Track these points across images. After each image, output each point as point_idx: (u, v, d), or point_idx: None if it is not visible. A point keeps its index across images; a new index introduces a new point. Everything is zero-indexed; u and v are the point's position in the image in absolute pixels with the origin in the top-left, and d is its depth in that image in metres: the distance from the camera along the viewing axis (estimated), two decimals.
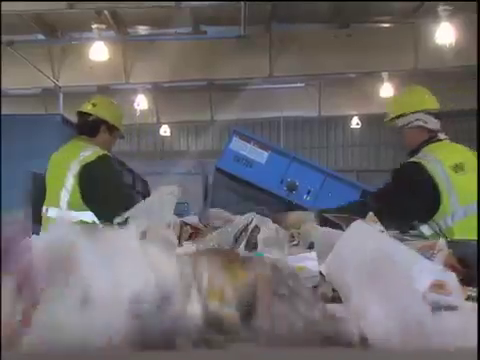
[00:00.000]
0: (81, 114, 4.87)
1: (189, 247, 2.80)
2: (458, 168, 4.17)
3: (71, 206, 4.49)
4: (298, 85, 18.19)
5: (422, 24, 13.97)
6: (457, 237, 3.91)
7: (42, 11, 12.87)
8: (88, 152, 4.57)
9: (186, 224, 3.38)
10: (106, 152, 4.64)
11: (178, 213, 3.87)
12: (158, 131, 20.64)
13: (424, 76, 15.98)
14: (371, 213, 2.77)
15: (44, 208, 4.70)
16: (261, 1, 12.16)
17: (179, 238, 3.07)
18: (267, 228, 2.92)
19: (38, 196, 5.01)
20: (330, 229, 2.66)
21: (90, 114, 4.80)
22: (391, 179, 4.24)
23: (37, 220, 4.78)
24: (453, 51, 13.25)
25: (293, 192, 8.87)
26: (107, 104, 5.00)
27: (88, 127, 4.80)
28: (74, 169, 4.52)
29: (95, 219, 4.44)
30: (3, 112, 10.90)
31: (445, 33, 12.72)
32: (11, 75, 14.03)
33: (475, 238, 3.49)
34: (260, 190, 8.75)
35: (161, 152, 21.79)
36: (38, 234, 4.13)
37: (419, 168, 4.11)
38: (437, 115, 4.43)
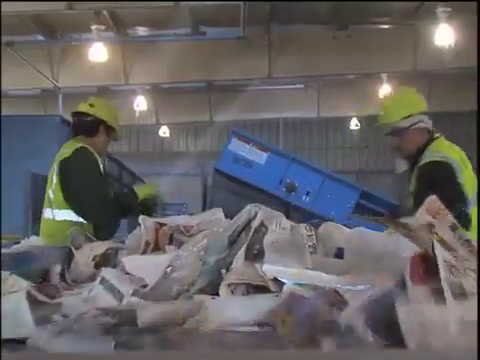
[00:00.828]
0: (78, 115, 4.87)
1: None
2: (464, 162, 4.27)
3: (56, 205, 4.51)
4: (297, 86, 18.18)
5: (421, 25, 13.98)
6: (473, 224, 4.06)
7: (41, 12, 12.88)
8: (68, 149, 4.59)
9: (161, 225, 2.54)
10: (85, 145, 4.64)
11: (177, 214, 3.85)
12: (157, 132, 20.64)
13: (423, 77, 16.01)
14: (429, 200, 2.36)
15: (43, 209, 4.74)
16: (261, 1, 12.15)
17: (155, 242, 2.44)
18: (278, 227, 2.17)
19: (37, 196, 5.02)
20: (362, 229, 2.12)
21: (88, 114, 4.80)
22: (423, 181, 4.20)
23: (36, 220, 4.81)
24: (452, 52, 13.26)
25: (292, 193, 8.86)
26: (104, 105, 5.00)
27: (86, 127, 4.79)
28: (56, 168, 4.56)
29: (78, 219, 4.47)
30: (2, 113, 10.89)
31: (444, 34, 12.74)
32: (10, 76, 14.04)
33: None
34: (259, 191, 8.75)
35: (160, 153, 21.77)
36: (38, 234, 4.13)
37: (447, 166, 4.15)
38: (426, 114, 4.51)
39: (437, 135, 4.46)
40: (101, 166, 4.73)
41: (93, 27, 13.08)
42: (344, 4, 13.20)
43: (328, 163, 21.07)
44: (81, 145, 4.58)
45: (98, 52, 13.62)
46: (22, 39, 13.94)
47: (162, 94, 18.13)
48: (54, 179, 4.56)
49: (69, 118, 11.10)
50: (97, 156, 4.67)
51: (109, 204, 4.53)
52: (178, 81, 16.33)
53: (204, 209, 9.67)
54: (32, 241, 3.90)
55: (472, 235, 3.88)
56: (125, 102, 15.35)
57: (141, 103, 17.24)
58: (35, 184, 8.39)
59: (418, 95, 4.67)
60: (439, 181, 4.07)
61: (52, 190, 4.56)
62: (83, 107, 4.83)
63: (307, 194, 9.00)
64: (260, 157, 8.89)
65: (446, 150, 4.31)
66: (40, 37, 14.54)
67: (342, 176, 9.90)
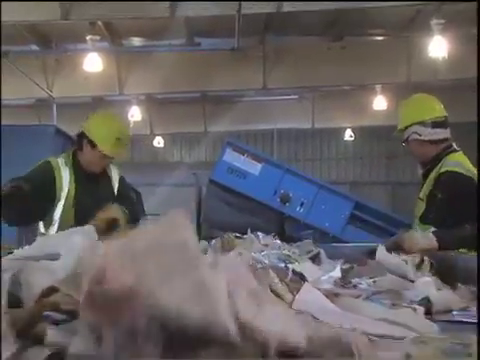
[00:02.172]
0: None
1: None
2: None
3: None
4: (292, 97, 18.22)
5: (415, 37, 14.03)
6: None
7: (36, 22, 12.89)
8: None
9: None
10: (50, 159, 4.72)
11: None
12: (152, 142, 20.63)
13: (417, 89, 16.04)
14: None
15: None
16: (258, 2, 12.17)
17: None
18: None
19: None
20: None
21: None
22: (442, 189, 4.15)
23: (30, 229, 4.82)
24: (446, 64, 13.30)
25: (286, 204, 8.90)
26: (99, 119, 4.93)
27: (77, 141, 4.85)
28: None
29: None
30: None
31: (438, 46, 12.77)
32: (5, 85, 14.02)
33: None
34: (254, 202, 8.77)
35: (155, 163, 21.76)
36: (31, 242, 4.13)
37: (466, 177, 4.15)
38: (441, 124, 4.43)
39: (455, 147, 4.40)
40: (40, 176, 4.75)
41: (88, 37, 13.07)
42: (339, 16, 13.24)
43: (322, 174, 21.07)
44: (49, 158, 4.69)
45: (93, 62, 13.61)
46: (17, 49, 13.93)
47: (157, 104, 18.14)
48: None
49: (63, 128, 11.13)
50: (60, 170, 4.70)
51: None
52: (173, 92, 16.34)
53: (198, 220, 9.68)
54: (25, 251, 3.90)
55: None
56: (120, 112, 15.34)
57: (135, 113, 17.23)
58: None
59: (416, 105, 4.62)
60: (460, 192, 4.07)
61: None
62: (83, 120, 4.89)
63: (301, 205, 9.05)
64: (254, 168, 8.93)
65: (462, 160, 4.29)
66: (35, 47, 14.54)
67: (336, 187, 9.96)
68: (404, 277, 2.44)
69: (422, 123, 4.33)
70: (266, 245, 3.82)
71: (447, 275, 2.49)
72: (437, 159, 4.28)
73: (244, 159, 8.88)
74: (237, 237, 4.45)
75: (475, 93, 10.81)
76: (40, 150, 9.85)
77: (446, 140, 4.36)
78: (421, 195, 4.31)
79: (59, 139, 10.49)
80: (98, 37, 13.25)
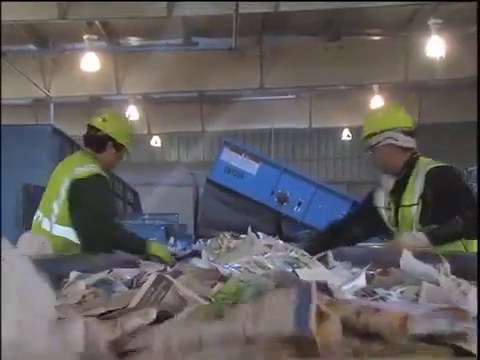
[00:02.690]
0: (90, 127, 4.75)
1: None
2: None
3: (58, 220, 4.40)
4: (289, 97, 18.24)
5: (413, 37, 14.04)
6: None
7: (34, 21, 12.88)
8: (84, 168, 4.44)
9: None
10: (101, 172, 4.50)
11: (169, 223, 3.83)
12: (149, 142, 20.62)
13: (414, 88, 16.09)
14: None
15: (37, 213, 4.61)
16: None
17: None
18: None
19: (28, 206, 4.93)
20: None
21: (99, 129, 4.69)
22: (444, 188, 4.14)
23: (28, 229, 4.72)
24: (443, 64, 13.32)
25: (284, 203, 8.89)
26: (117, 120, 4.86)
27: (95, 142, 4.66)
28: (66, 183, 4.41)
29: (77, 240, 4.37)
30: None
31: (435, 46, 12.78)
32: (2, 85, 14.00)
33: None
34: (251, 201, 8.77)
35: (152, 163, 21.75)
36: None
37: (456, 170, 4.18)
38: (410, 133, 4.40)
39: (419, 154, 4.39)
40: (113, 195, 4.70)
41: (85, 37, 13.06)
42: (336, 15, 13.24)
43: (320, 174, 21.08)
44: (98, 171, 4.46)
45: (90, 62, 13.60)
46: (14, 49, 13.92)
47: (154, 104, 18.14)
48: (62, 193, 4.44)
49: (60, 128, 11.12)
50: (108, 179, 4.61)
51: (111, 238, 4.42)
52: (170, 91, 16.34)
53: (196, 219, 9.67)
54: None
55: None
56: (117, 112, 15.34)
57: (133, 113, 17.22)
58: (27, 194, 8.36)
59: (395, 111, 4.57)
60: (457, 182, 4.10)
61: (58, 204, 4.44)
62: (95, 121, 4.71)
63: (299, 204, 9.05)
64: (252, 167, 8.93)
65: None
66: (32, 47, 14.53)
67: (334, 187, 9.96)
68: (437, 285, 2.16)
69: (397, 129, 4.30)
70: (269, 246, 3.52)
71: (465, 276, 2.48)
72: (409, 165, 4.25)
73: (241, 159, 8.88)
74: (233, 236, 4.40)
75: (472, 93, 10.85)
76: (37, 150, 9.85)
77: (412, 149, 4.35)
78: (406, 201, 4.27)
79: (56, 139, 10.46)
80: (95, 37, 13.24)
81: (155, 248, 4.32)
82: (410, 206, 4.22)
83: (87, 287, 2.30)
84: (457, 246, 3.94)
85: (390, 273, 2.45)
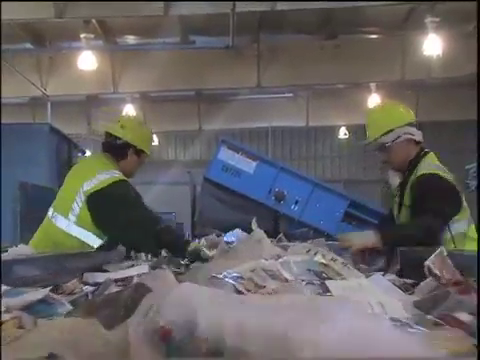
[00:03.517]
0: (108, 134, 4.73)
1: None
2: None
3: (79, 222, 4.36)
4: (286, 95, 18.25)
5: (410, 36, 14.05)
6: (469, 242, 4.09)
7: (31, 20, 12.87)
8: (106, 175, 4.41)
9: None
10: (124, 178, 4.50)
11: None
12: None
13: (411, 87, 16.09)
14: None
15: (51, 211, 4.57)
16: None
17: None
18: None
19: (26, 204, 4.91)
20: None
21: (118, 136, 4.67)
22: (422, 193, 4.13)
23: (24, 228, 4.72)
24: (440, 62, 13.33)
25: (281, 202, 8.89)
26: (135, 126, 4.85)
27: (115, 149, 4.65)
28: (87, 187, 4.36)
29: (97, 243, 4.34)
30: None
31: (432, 45, 12.79)
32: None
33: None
34: (248, 200, 8.76)
35: (149, 162, 21.73)
36: (26, 243, 4.11)
37: (443, 178, 4.12)
38: (416, 126, 4.41)
39: (426, 150, 4.39)
40: (138, 194, 4.68)
41: (82, 35, 13.06)
42: (333, 14, 13.25)
43: (317, 172, 21.09)
44: (119, 178, 4.45)
45: (87, 60, 13.59)
46: (11, 47, 13.90)
47: (151, 103, 18.13)
48: (83, 196, 4.39)
49: (58, 126, 11.11)
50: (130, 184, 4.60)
51: (150, 228, 4.41)
52: (167, 90, 16.34)
53: (193, 218, 9.67)
54: (20, 249, 3.89)
55: (469, 245, 3.96)
56: (114, 110, 15.34)
57: (130, 111, 17.20)
58: (24, 192, 8.36)
59: (400, 107, 4.58)
60: (436, 192, 4.05)
61: (78, 206, 4.41)
62: (113, 128, 4.69)
63: (296, 203, 9.05)
64: (249, 166, 8.92)
65: (437, 163, 4.28)
66: (29, 45, 14.52)
67: (331, 185, 9.95)
68: None
69: (411, 124, 4.33)
70: (284, 247, 2.79)
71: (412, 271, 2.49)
72: (414, 162, 4.27)
73: (239, 157, 8.87)
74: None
75: (470, 91, 10.86)
76: (35, 148, 9.86)
77: (421, 143, 4.38)
78: (406, 202, 4.28)
79: (54, 137, 10.47)
80: (92, 35, 13.23)
81: (195, 245, 4.34)
82: (408, 207, 4.25)
83: (8, 310, 1.66)
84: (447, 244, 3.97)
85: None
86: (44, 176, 9.49)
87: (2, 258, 2.51)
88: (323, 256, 2.28)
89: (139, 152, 4.72)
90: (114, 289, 2.22)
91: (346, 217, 9.21)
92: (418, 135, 4.32)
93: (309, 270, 2.12)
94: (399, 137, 4.28)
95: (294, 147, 22.30)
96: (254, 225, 3.24)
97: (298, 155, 22.23)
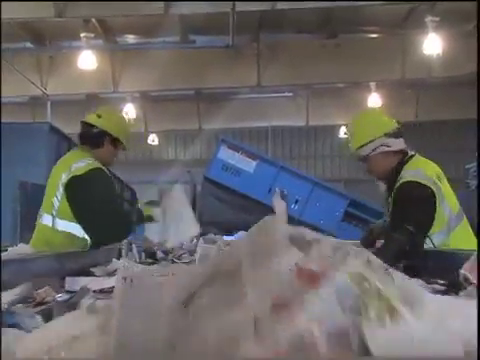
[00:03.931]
0: (85, 125, 4.77)
1: None
2: (440, 178, 4.16)
3: (60, 215, 4.42)
4: (286, 95, 18.24)
5: (410, 35, 14.04)
6: (458, 240, 4.00)
7: (31, 19, 12.87)
8: (81, 164, 4.45)
9: None
10: (99, 165, 4.52)
11: None
12: (146, 140, 20.61)
13: (411, 86, 16.09)
14: None
15: (40, 212, 4.62)
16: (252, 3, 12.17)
17: None
18: None
19: (26, 203, 4.92)
20: None
21: (94, 125, 4.71)
22: (398, 202, 4.10)
23: (24, 228, 4.73)
24: (440, 61, 13.33)
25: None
26: (112, 116, 4.90)
27: (92, 139, 4.68)
28: (64, 179, 4.42)
29: (82, 234, 4.38)
30: None
31: (432, 44, 12.80)
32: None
33: (470, 248, 3.56)
34: (248, 199, 8.77)
35: (149, 161, 21.74)
36: (26, 242, 4.11)
37: (420, 185, 4.06)
38: (398, 134, 4.34)
39: (412, 153, 4.34)
40: (113, 184, 4.72)
41: (82, 35, 13.06)
42: (333, 13, 13.25)
43: (317, 171, 21.08)
44: (95, 165, 4.49)
45: (87, 60, 13.60)
46: (11, 47, 13.90)
47: (151, 102, 18.13)
48: (61, 188, 4.46)
49: (58, 125, 11.10)
50: (106, 171, 4.63)
51: (121, 224, 4.48)
52: (167, 89, 16.34)
53: None
54: (20, 249, 3.89)
55: (467, 245, 3.91)
56: (114, 110, 15.34)
57: (130, 111, 17.21)
58: (24, 191, 8.36)
59: (380, 116, 4.54)
60: (412, 201, 4.01)
61: (57, 199, 4.46)
62: (90, 118, 4.74)
63: (296, 202, 9.05)
64: (249, 165, 8.93)
65: (422, 166, 4.21)
66: (29, 44, 14.51)
67: (331, 185, 9.96)
68: None
69: (387, 134, 4.28)
70: (304, 246, 1.97)
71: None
72: (396, 169, 4.23)
73: (239, 157, 8.88)
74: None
75: (470, 90, 10.86)
76: (34, 148, 9.85)
77: (403, 150, 4.32)
78: (389, 209, 4.28)
79: (53, 137, 10.46)
80: (92, 35, 13.24)
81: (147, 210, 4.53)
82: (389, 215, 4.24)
83: None
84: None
85: None
86: (44, 175, 9.47)
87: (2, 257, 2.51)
88: (356, 257, 1.65)
89: (115, 142, 4.73)
90: (90, 300, 2.10)
91: (346, 216, 9.23)
92: (397, 144, 4.23)
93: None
94: (374, 150, 4.24)
95: (294, 146, 22.28)
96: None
97: (298, 154, 22.22)
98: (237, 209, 8.60)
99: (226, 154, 8.87)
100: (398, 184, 4.07)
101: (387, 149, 4.21)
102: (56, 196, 4.42)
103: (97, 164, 4.47)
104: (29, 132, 10.25)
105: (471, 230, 4.24)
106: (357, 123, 4.59)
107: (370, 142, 4.23)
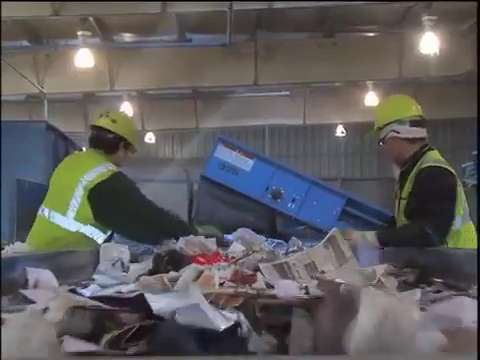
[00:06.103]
0: (97, 128, 4.75)
1: None
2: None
3: (78, 218, 4.36)
4: (283, 93, 18.23)
5: (407, 34, 14.06)
6: (462, 239, 4.07)
7: (27, 18, 12.85)
8: (103, 169, 4.43)
9: None
10: (119, 169, 4.56)
11: None
12: (143, 138, 20.60)
13: (408, 85, 16.09)
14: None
15: (45, 209, 4.56)
16: (248, 3, 12.16)
17: None
18: None
19: (22, 202, 4.90)
20: None
21: (109, 130, 4.69)
22: (425, 189, 4.11)
23: (21, 226, 4.72)
24: (437, 60, 13.33)
25: (278, 200, 8.88)
26: (126, 121, 4.94)
27: (106, 143, 4.67)
28: (86, 182, 4.35)
29: (96, 236, 4.38)
30: None
31: (429, 43, 12.80)
32: None
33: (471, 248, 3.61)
34: (245, 198, 8.76)
35: (146, 159, 21.72)
36: (23, 240, 4.09)
37: (448, 172, 4.11)
38: (414, 123, 4.37)
39: (431, 146, 4.37)
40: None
41: (79, 33, 13.05)
42: (330, 12, 13.26)
43: (314, 170, 21.07)
44: (117, 170, 4.48)
45: (84, 58, 13.59)
46: (7, 45, 13.87)
47: (148, 100, 18.13)
48: (81, 191, 4.36)
49: (54, 124, 11.09)
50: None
51: (157, 225, 4.43)
52: (164, 87, 16.33)
53: (190, 216, 9.68)
54: (17, 247, 3.89)
55: (467, 244, 3.93)
56: (111, 108, 15.31)
57: (127, 109, 17.18)
58: (20, 189, 8.36)
59: (398, 104, 4.59)
60: (439, 187, 4.05)
61: (77, 202, 4.36)
62: (104, 122, 4.71)
63: (293, 201, 9.04)
64: (246, 164, 8.92)
65: (442, 159, 4.26)
66: (26, 43, 14.50)
67: (328, 183, 9.96)
68: None
69: (400, 121, 4.30)
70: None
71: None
72: (415, 158, 4.25)
73: (236, 155, 8.86)
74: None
75: (467, 89, 10.87)
76: (31, 146, 9.85)
77: (422, 139, 4.34)
78: (403, 194, 4.28)
79: (50, 135, 10.47)
80: (89, 33, 13.23)
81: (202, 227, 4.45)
82: (404, 199, 4.25)
83: None
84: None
85: None
86: (41, 174, 9.48)
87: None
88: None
89: (127, 145, 4.76)
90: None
91: (343, 215, 9.22)
92: (408, 132, 4.28)
93: None
94: (386, 135, 4.33)
95: (291, 145, 22.30)
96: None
97: (295, 153, 22.23)
98: (234, 207, 8.59)
99: (223, 153, 8.85)
100: (419, 169, 4.11)
101: (396, 135, 4.27)
102: (75, 198, 4.37)
103: (116, 168, 4.50)
104: (26, 130, 10.25)
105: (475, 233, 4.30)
106: (379, 107, 4.72)
107: (385, 126, 4.32)
